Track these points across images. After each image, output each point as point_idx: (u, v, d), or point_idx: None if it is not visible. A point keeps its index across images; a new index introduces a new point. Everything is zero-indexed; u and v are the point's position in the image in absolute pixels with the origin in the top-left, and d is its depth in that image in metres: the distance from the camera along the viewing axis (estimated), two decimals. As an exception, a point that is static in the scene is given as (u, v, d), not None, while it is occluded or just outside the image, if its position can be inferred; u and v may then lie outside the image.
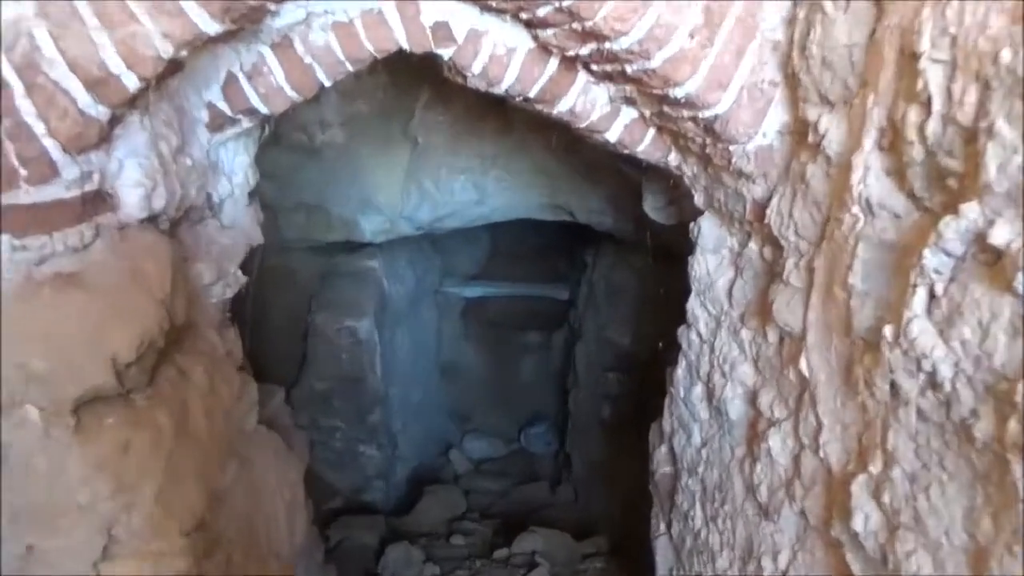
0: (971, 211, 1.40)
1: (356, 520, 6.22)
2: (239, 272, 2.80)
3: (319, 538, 4.05)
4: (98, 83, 1.83)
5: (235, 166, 2.73)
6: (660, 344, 3.41)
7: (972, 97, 1.38)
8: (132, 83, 1.87)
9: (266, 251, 3.88)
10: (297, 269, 6.33)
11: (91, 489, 1.98)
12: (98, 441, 1.99)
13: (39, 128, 1.83)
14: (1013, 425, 1.31)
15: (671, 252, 3.89)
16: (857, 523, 1.81)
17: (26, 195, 1.88)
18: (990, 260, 1.39)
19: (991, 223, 1.36)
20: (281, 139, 4.48)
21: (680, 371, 3.06)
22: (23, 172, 1.85)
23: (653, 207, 3.54)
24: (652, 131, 2.61)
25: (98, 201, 2.02)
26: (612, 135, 2.61)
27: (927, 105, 1.51)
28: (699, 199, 2.72)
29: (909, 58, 1.56)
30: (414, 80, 4.47)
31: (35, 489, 1.94)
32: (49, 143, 1.85)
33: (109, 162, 2.03)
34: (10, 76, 1.76)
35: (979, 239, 1.39)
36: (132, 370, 2.02)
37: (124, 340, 1.96)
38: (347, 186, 5.03)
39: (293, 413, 4.05)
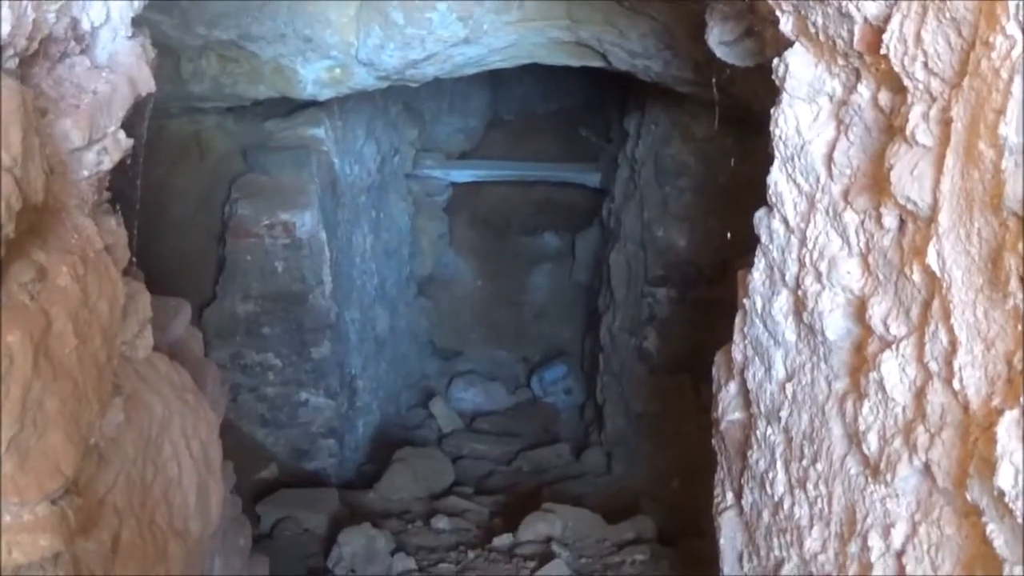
0: None
1: (298, 495, 6.29)
2: (121, 134, 2.77)
3: (244, 518, 4.11)
4: None
5: (111, -18, 2.69)
6: (728, 238, 3.39)
7: None
8: None
9: (163, 110, 3.81)
10: (210, 139, 6.30)
11: (-83, 436, 2.00)
12: (-76, 369, 2.00)
13: None
14: None
15: (748, 112, 3.85)
16: (1003, 480, 1.81)
17: None
18: None
19: None
20: (182, -52, 4.43)
21: (757, 275, 3.05)
22: None
23: (721, 40, 3.49)
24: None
25: (-88, 24, 2.00)
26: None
27: None
28: (787, 23, 2.68)
29: None
30: None
31: None
32: None
33: (-73, -33, 2.00)
34: None
35: None
36: (-35, 269, 2.02)
37: (-49, 224, 1.96)
38: (278, 16, 4.96)
39: (208, 343, 4.08)
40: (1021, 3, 1.73)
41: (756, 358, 3.12)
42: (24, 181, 2.11)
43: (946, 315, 2.05)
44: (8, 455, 2.09)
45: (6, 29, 2.16)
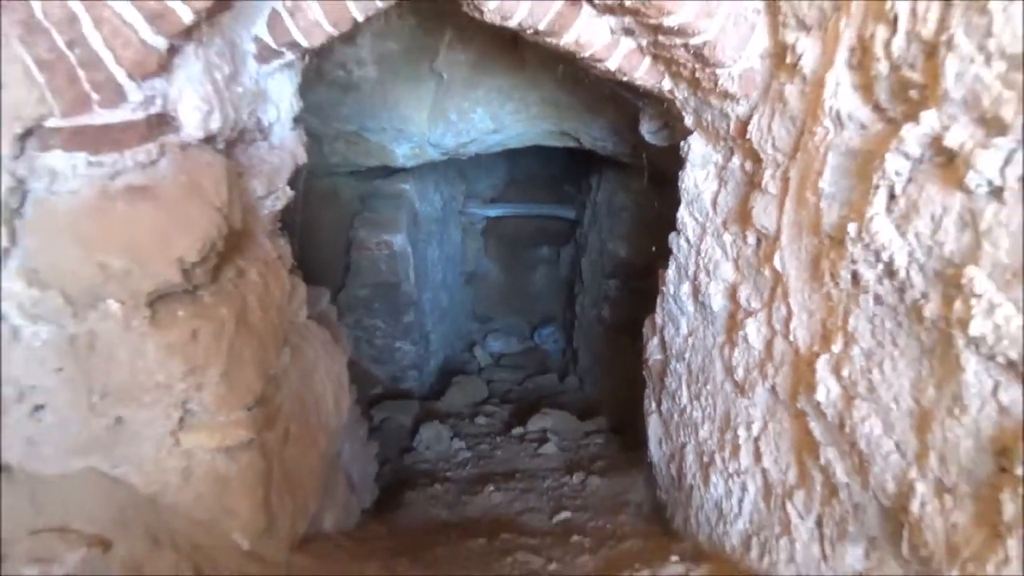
0: (930, 118, 1.36)
1: (395, 404, 6.31)
2: (287, 187, 2.78)
3: (363, 418, 4.12)
4: (156, 15, 1.79)
5: (281, 94, 2.68)
6: (653, 249, 3.38)
7: (934, 13, 1.33)
8: (186, 15, 1.82)
9: (312, 174, 3.85)
10: (340, 190, 6.31)
11: (166, 371, 2.00)
12: (171, 330, 2.00)
13: (107, 57, 1.80)
14: (959, 305, 1.30)
15: (664, 175, 3.83)
16: (820, 395, 1.82)
17: (99, 117, 1.85)
18: (944, 162, 1.36)
19: (947, 128, 1.32)
20: (323, 76, 4.41)
21: (671, 272, 3.05)
22: (95, 96, 1.82)
23: (649, 131, 3.47)
24: (647, 59, 2.54)
25: (162, 122, 1.99)
26: (612, 63, 2.54)
27: (893, 23, 1.45)
28: (689, 120, 2.66)
29: (878, -20, 1.50)
30: (438, 22, 4.36)
31: (119, 371, 1.96)
32: (116, 70, 1.82)
33: (170, 88, 2.00)
34: (79, 10, 1.72)
35: (935, 142, 1.36)
36: (197, 270, 2.02)
37: (188, 243, 1.96)
38: (381, 117, 4.95)
39: (339, 314, 4.09)
40: (834, 106, 1.71)
41: (670, 322, 3.12)
42: (230, 217, 2.11)
43: (785, 296, 2.05)
44: (221, 382, 2.10)
45: (216, 126, 2.16)
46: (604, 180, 6.96)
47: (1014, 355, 1.19)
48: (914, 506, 1.45)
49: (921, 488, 1.44)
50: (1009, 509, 1.18)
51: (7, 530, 1.83)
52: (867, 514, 1.70)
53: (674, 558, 2.68)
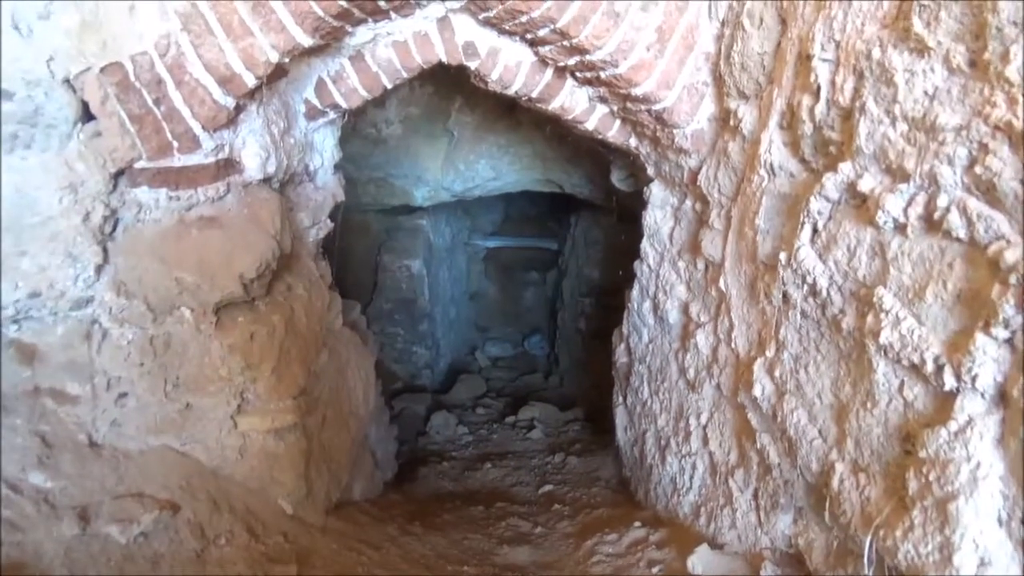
0: (846, 168, 1.36)
1: (411, 396, 6.24)
2: (328, 220, 2.76)
3: (386, 408, 4.07)
4: (226, 79, 1.78)
5: (325, 146, 2.67)
6: (620, 273, 3.36)
7: (850, 85, 1.33)
8: (250, 80, 1.82)
9: (348, 210, 3.82)
10: (370, 224, 6.28)
11: (228, 366, 1.98)
12: (232, 333, 1.98)
13: (186, 112, 1.79)
14: (870, 319, 1.29)
15: (630, 214, 3.82)
16: (756, 391, 1.80)
17: (178, 160, 1.84)
18: (858, 203, 1.35)
19: (860, 176, 1.32)
20: (358, 132, 4.41)
21: (635, 292, 3.03)
22: (176, 144, 1.81)
23: (618, 179, 3.47)
24: (618, 122, 2.54)
25: (229, 166, 1.98)
26: (590, 125, 2.54)
27: (816, 93, 1.45)
28: (651, 170, 2.66)
29: (805, 59, 1.50)
30: (450, 90, 4.37)
31: (189, 365, 1.94)
32: (193, 123, 1.81)
33: (236, 138, 1.99)
34: (164, 74, 1.72)
35: (850, 188, 1.35)
36: (255, 284, 2.00)
37: (248, 263, 1.94)
38: (404, 166, 4.95)
39: (368, 323, 4.05)
40: (768, 159, 1.71)
41: (634, 332, 3.09)
42: (282, 242, 2.09)
43: (728, 311, 2.03)
44: (272, 375, 2.07)
45: (272, 169, 2.15)
46: (581, 218, 6.96)
47: (916, 359, 1.18)
48: (834, 482, 1.43)
49: (840, 467, 1.42)
50: (913, 485, 1.16)
51: (96, 496, 1.79)
52: (795, 488, 1.68)
53: (637, 524, 2.65)
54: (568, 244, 7.60)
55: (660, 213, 2.70)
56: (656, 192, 2.71)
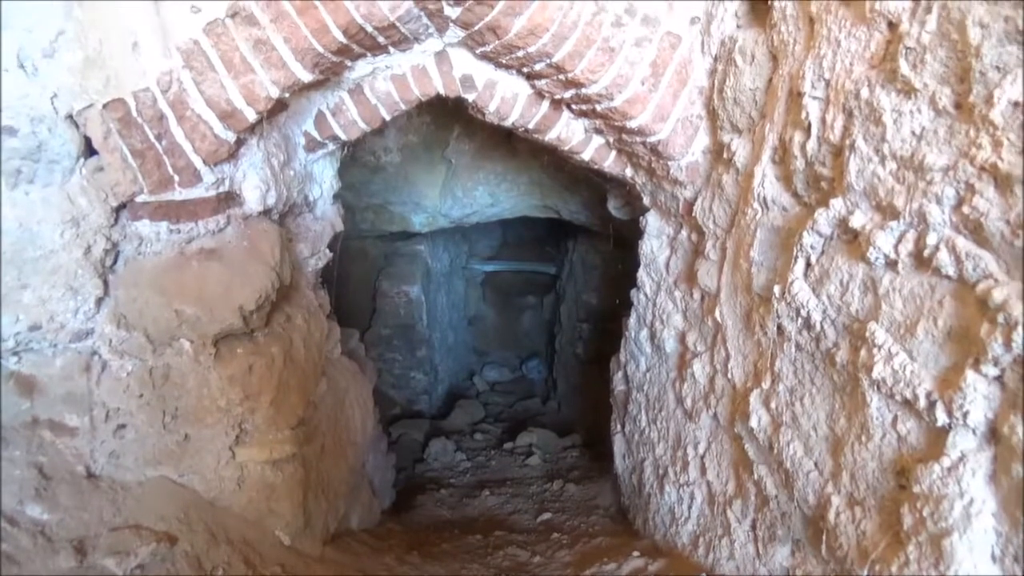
0: (837, 204, 1.38)
1: (409, 422, 6.21)
2: (327, 250, 2.78)
3: (384, 435, 4.05)
4: (227, 115, 1.81)
5: (324, 176, 2.70)
6: (616, 301, 3.37)
7: (839, 122, 1.35)
8: (251, 115, 1.84)
9: (346, 237, 3.84)
10: (369, 250, 6.29)
11: (227, 397, 1.98)
12: (231, 364, 1.98)
13: (187, 147, 1.81)
14: (863, 353, 1.30)
15: (626, 241, 3.85)
16: (753, 423, 1.80)
17: (179, 194, 1.86)
18: (849, 239, 1.37)
19: (851, 212, 1.34)
20: (357, 160, 4.45)
21: (632, 320, 3.04)
22: (177, 178, 1.84)
23: (614, 207, 3.50)
24: (613, 152, 2.57)
25: (229, 198, 2.00)
26: (586, 155, 2.57)
27: (808, 130, 1.48)
28: (646, 200, 2.69)
29: (795, 96, 1.53)
30: (448, 120, 4.42)
31: (188, 397, 1.94)
32: (194, 158, 1.84)
33: (236, 171, 2.01)
34: (166, 109, 1.74)
35: (842, 224, 1.37)
36: (254, 316, 2.01)
37: (247, 295, 1.95)
38: (403, 193, 4.98)
39: (366, 349, 4.05)
40: (761, 192, 1.73)
41: (631, 360, 3.10)
42: (282, 274, 2.11)
43: (724, 342, 2.04)
44: (271, 406, 2.07)
45: (272, 201, 2.17)
46: (578, 244, 6.99)
47: (908, 394, 1.19)
48: (830, 515, 1.43)
49: (836, 500, 1.42)
50: (907, 520, 1.16)
51: (94, 528, 1.78)
52: (793, 520, 1.68)
53: (635, 553, 2.62)
54: (566, 269, 7.62)
55: (656, 242, 2.72)
56: (652, 222, 2.73)
